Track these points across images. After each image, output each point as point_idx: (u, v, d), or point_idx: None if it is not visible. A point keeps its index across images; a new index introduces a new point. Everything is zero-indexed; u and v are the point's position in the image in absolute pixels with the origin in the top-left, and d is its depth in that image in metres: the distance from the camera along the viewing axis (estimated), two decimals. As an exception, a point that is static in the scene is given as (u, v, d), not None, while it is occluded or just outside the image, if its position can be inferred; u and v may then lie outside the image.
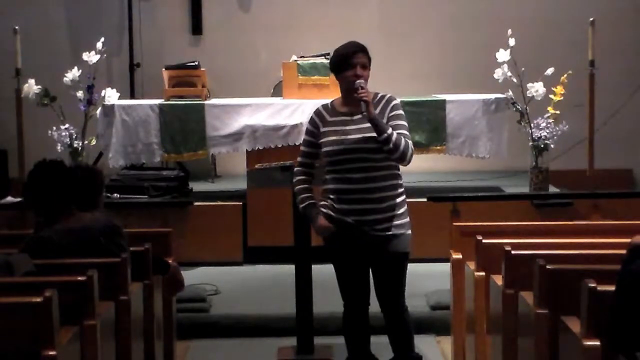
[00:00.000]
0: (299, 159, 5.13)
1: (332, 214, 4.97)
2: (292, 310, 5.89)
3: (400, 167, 5.00)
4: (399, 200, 4.97)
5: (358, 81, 4.87)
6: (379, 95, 5.00)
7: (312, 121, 5.07)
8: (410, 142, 4.88)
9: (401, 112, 4.98)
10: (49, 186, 4.52)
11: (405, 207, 5.01)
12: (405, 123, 4.95)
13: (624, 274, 3.40)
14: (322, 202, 5.03)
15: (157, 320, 5.14)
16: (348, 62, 4.91)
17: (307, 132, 5.10)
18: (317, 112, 5.06)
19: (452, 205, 6.43)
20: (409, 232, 5.04)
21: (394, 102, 4.97)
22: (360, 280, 5.09)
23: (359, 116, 4.89)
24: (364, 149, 4.86)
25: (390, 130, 4.81)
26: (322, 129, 4.99)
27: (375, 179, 4.89)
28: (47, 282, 3.85)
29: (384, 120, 4.88)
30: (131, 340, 4.56)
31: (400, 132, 4.85)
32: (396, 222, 4.95)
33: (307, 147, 5.08)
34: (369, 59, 4.98)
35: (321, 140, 4.98)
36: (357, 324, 5.18)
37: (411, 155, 4.87)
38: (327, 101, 5.17)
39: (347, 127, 4.92)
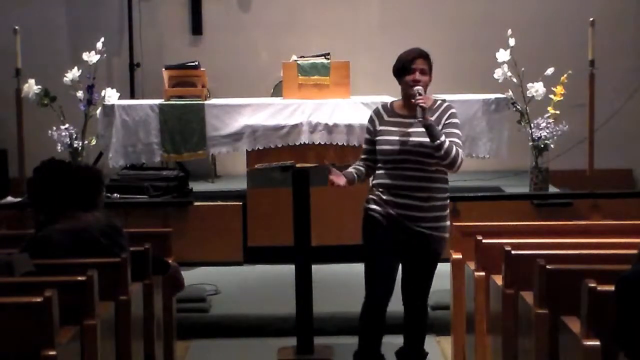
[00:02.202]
0: (360, 156, 5.29)
1: (377, 207, 5.08)
2: (292, 310, 5.89)
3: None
4: (444, 203, 5.14)
5: (416, 87, 5.04)
6: (438, 102, 5.17)
7: (370, 120, 5.24)
8: (461, 150, 5.06)
9: (456, 120, 5.13)
10: (52, 185, 4.52)
11: (448, 212, 5.17)
12: (458, 132, 5.11)
13: (620, 279, 3.39)
14: (370, 196, 5.16)
15: (157, 320, 5.14)
16: (408, 67, 5.12)
17: (366, 130, 5.27)
18: (376, 112, 5.23)
19: (452, 205, 6.43)
20: (447, 235, 5.18)
21: (451, 111, 5.13)
22: (388, 275, 5.14)
23: (417, 120, 5.02)
24: (419, 152, 5.02)
25: (443, 138, 4.98)
26: (379, 127, 5.16)
27: (425, 179, 5.05)
28: (47, 282, 3.84)
29: (439, 127, 5.03)
30: (131, 340, 4.56)
31: (452, 140, 5.02)
32: (440, 224, 5.10)
33: (366, 145, 5.26)
34: (430, 65, 5.17)
35: (377, 138, 5.15)
36: (374, 319, 5.19)
37: (460, 164, 5.05)
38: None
39: (405, 129, 5.07)
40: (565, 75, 8.08)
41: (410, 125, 5.06)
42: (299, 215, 5.72)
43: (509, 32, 8.10)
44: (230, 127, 8.01)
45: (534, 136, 8.00)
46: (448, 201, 5.19)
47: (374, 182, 5.18)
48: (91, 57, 8.17)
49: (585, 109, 8.28)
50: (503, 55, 8.10)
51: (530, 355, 4.17)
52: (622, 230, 5.32)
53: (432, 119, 5.03)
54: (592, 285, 3.62)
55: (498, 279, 4.77)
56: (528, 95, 8.06)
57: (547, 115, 8.06)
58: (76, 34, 9.94)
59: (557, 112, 8.07)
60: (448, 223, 5.16)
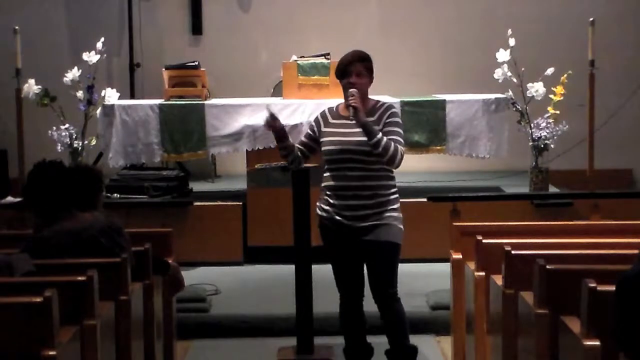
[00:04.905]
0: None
1: (327, 208, 5.26)
2: (292, 310, 5.89)
3: (395, 170, 5.27)
4: (390, 198, 5.24)
5: (351, 90, 5.19)
6: (380, 103, 5.31)
7: (316, 119, 5.42)
8: (400, 147, 5.16)
9: (397, 119, 5.28)
10: (49, 187, 4.52)
11: (397, 205, 5.27)
12: (399, 130, 5.23)
13: (620, 279, 3.40)
14: (320, 200, 5.33)
15: (157, 320, 5.14)
16: (345, 70, 5.25)
17: (309, 126, 5.48)
18: (323, 114, 5.40)
19: (452, 205, 6.43)
20: (401, 226, 5.25)
21: (391, 110, 5.28)
22: (353, 274, 5.33)
23: (349, 119, 5.20)
24: (360, 151, 5.16)
25: (379, 135, 5.11)
26: (323, 129, 5.32)
27: (368, 178, 5.18)
28: (47, 282, 3.84)
29: (380, 126, 5.16)
30: (131, 340, 4.56)
31: (391, 138, 5.15)
32: (385, 214, 5.19)
33: (305, 138, 5.43)
34: (368, 67, 5.27)
35: (322, 139, 5.30)
36: (352, 314, 5.41)
37: (400, 160, 5.15)
38: (334, 104, 5.46)
39: (347, 130, 5.21)
40: (565, 75, 8.08)
41: (353, 126, 5.18)
42: (299, 215, 5.72)
43: (509, 32, 8.11)
44: (230, 127, 8.02)
45: (534, 136, 8.00)
46: (396, 196, 5.26)
47: (322, 184, 5.31)
48: (91, 57, 8.18)
49: (585, 109, 8.28)
50: (503, 55, 8.10)
51: (530, 355, 4.17)
52: (622, 230, 5.32)
53: (373, 119, 5.18)
54: (592, 285, 3.62)
55: (498, 279, 4.76)
56: (528, 95, 8.06)
57: (547, 115, 8.06)
58: (76, 34, 9.95)
59: (557, 112, 8.07)
60: (396, 214, 5.21)
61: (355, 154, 5.15)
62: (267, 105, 5.58)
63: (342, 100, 5.39)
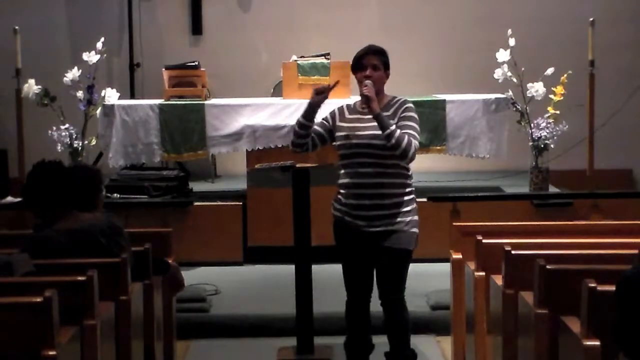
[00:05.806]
0: None
1: (339, 207, 5.19)
2: (292, 310, 5.89)
3: (408, 165, 5.17)
4: (405, 198, 5.14)
5: (366, 80, 5.11)
6: (396, 99, 5.24)
7: (332, 112, 5.31)
8: (414, 141, 5.06)
9: (413, 114, 5.17)
10: (48, 187, 4.52)
11: (413, 207, 5.17)
12: (414, 124, 5.13)
13: (621, 279, 3.40)
14: (335, 198, 5.24)
15: (157, 320, 5.15)
16: (359, 63, 5.18)
17: (324, 117, 5.33)
18: (340, 107, 5.31)
19: (452, 205, 6.43)
20: (414, 230, 5.16)
21: (407, 105, 5.20)
22: (362, 276, 5.25)
23: (361, 108, 5.17)
24: (374, 145, 5.07)
25: (393, 127, 5.01)
26: (338, 123, 5.24)
27: (383, 175, 5.08)
28: (47, 282, 3.85)
29: (395, 120, 5.09)
30: (131, 340, 4.57)
31: (406, 132, 5.05)
32: (399, 219, 5.10)
33: (318, 126, 5.28)
34: (383, 61, 5.20)
35: (336, 134, 5.23)
36: (357, 314, 5.34)
37: (413, 154, 5.05)
38: (334, 104, 5.41)
39: (360, 124, 5.14)
40: (565, 75, 8.09)
41: (367, 120, 5.11)
42: (299, 215, 5.72)
43: (509, 32, 8.11)
44: (230, 127, 8.02)
45: (534, 136, 8.01)
46: (412, 196, 5.17)
47: (338, 182, 5.23)
48: (91, 57, 8.18)
49: (585, 109, 8.28)
50: (503, 55, 8.11)
51: (530, 355, 4.17)
52: (622, 230, 5.33)
53: (389, 114, 5.11)
54: (592, 285, 3.62)
55: (498, 279, 4.77)
56: (528, 95, 8.06)
57: (547, 115, 8.07)
58: (76, 34, 9.94)
59: (557, 112, 8.08)
60: (409, 218, 5.12)
61: (367, 147, 5.06)
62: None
63: (354, 100, 5.31)
